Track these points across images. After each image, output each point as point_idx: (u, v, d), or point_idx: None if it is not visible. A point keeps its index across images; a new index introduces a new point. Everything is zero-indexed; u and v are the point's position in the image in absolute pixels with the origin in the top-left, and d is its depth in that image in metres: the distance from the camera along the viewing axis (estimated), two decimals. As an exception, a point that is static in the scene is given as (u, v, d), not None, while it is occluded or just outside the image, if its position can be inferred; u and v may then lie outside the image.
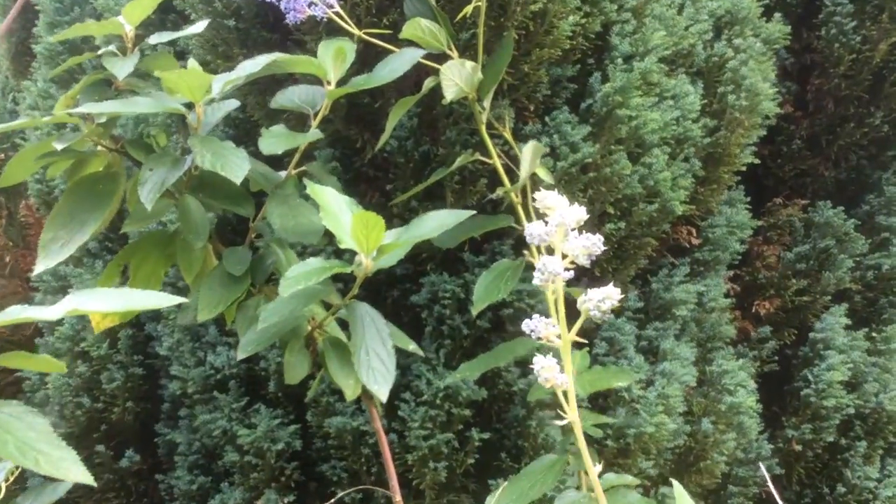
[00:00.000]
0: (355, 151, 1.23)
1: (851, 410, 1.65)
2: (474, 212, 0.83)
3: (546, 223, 0.57)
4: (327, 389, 1.24)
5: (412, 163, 1.19)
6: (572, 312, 1.12)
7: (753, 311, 1.70)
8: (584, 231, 0.58)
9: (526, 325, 0.56)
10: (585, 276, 1.32)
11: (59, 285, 1.45)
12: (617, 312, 1.38)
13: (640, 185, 1.25)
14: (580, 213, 0.56)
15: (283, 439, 1.26)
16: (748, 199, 1.57)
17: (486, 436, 1.24)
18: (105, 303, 0.45)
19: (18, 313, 0.49)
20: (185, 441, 1.36)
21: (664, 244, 1.43)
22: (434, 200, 1.21)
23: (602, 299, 0.54)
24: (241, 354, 0.77)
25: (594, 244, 0.54)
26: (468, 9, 0.98)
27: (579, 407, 1.15)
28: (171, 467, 1.39)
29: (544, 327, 0.56)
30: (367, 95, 1.18)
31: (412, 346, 0.89)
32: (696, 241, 1.45)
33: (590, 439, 1.18)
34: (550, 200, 0.56)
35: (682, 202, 1.31)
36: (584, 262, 0.55)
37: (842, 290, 1.70)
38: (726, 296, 1.53)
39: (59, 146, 0.72)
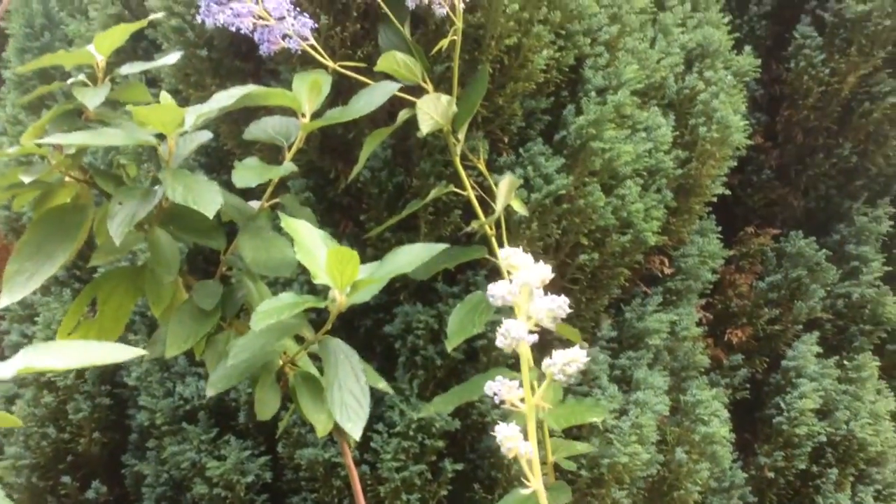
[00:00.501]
0: (329, 182, 1.22)
1: (823, 438, 1.65)
2: (447, 245, 0.82)
3: (510, 282, 0.56)
4: (298, 421, 1.23)
5: (386, 193, 1.19)
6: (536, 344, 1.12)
7: (726, 339, 1.70)
8: (548, 291, 0.56)
9: (489, 387, 0.54)
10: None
11: (27, 314, 1.42)
12: (590, 342, 1.38)
13: (613, 217, 1.25)
14: (545, 272, 0.55)
15: (254, 471, 1.24)
16: (719, 228, 1.58)
17: (459, 467, 1.23)
18: (61, 359, 0.44)
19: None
20: (153, 473, 1.34)
21: (637, 274, 1.43)
22: (408, 231, 1.21)
23: (567, 362, 0.53)
24: (210, 391, 0.76)
25: (559, 307, 0.53)
26: (443, 42, 0.99)
27: (552, 437, 1.15)
28: (139, 499, 1.37)
29: (507, 391, 0.54)
30: (341, 127, 1.18)
31: (382, 385, 0.88)
32: (668, 271, 1.45)
33: (563, 470, 1.18)
34: (515, 259, 0.55)
35: (655, 233, 1.32)
36: (549, 325, 0.54)
37: (812, 318, 1.71)
38: (699, 324, 1.53)
39: (26, 179, 0.71)
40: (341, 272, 0.70)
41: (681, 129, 1.37)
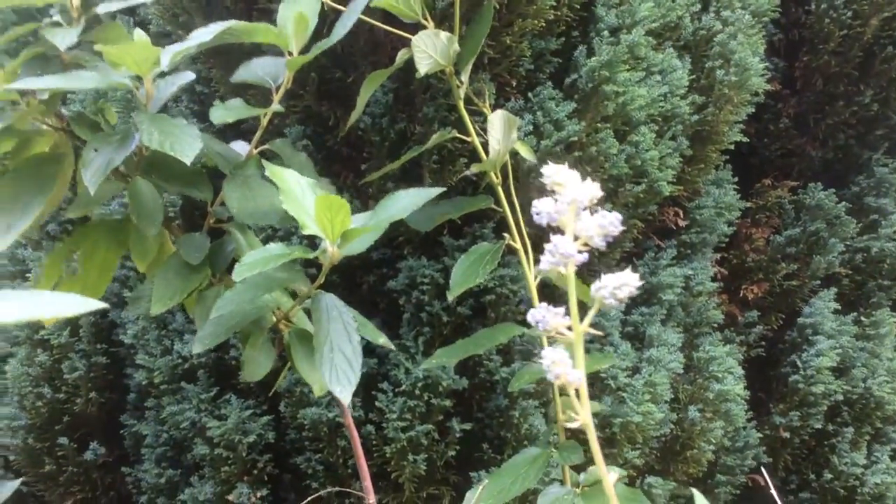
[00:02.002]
0: (328, 129, 1.16)
1: (839, 396, 1.60)
2: (444, 188, 0.76)
3: (556, 200, 0.50)
4: (300, 379, 1.18)
5: (388, 141, 1.12)
6: (547, 297, 1.06)
7: (741, 295, 1.64)
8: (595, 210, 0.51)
9: (532, 315, 0.49)
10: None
11: (18, 269, 1.37)
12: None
13: (626, 165, 1.18)
14: (594, 189, 0.49)
15: (255, 431, 1.20)
16: (735, 179, 1.51)
17: (467, 426, 1.18)
18: (10, 310, 0.38)
19: None
20: (153, 433, 1.29)
21: (650, 226, 1.37)
22: (411, 181, 1.14)
23: (619, 286, 0.47)
24: (196, 348, 0.71)
25: (611, 223, 0.48)
26: (446, -26, 0.91)
27: (561, 395, 1.10)
28: (139, 460, 1.33)
29: (552, 317, 0.49)
30: (340, 70, 1.11)
31: (382, 340, 0.82)
32: (682, 223, 1.39)
33: (572, 431, 1.13)
34: (561, 176, 0.49)
35: (670, 182, 1.25)
36: (600, 243, 0.49)
37: (830, 273, 1.65)
38: (713, 279, 1.47)
39: (-2, 126, 0.65)
40: (332, 221, 0.64)
41: (697, 72, 1.30)
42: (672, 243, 1.39)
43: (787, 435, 1.59)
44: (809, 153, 1.69)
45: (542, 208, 0.49)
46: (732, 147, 1.40)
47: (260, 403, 1.23)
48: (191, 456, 1.24)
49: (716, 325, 1.47)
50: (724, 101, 1.29)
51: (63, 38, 0.69)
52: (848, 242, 1.66)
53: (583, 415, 0.45)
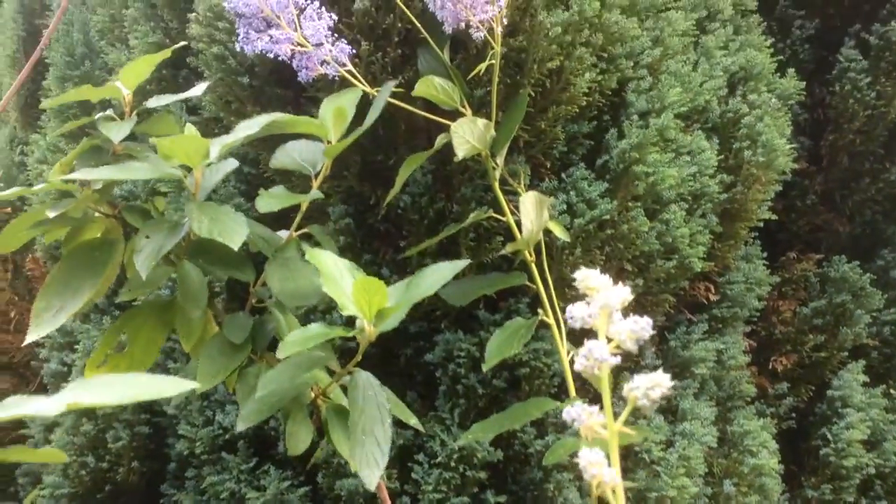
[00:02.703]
0: (369, 208, 1.16)
1: (871, 470, 1.55)
2: (469, 261, 0.76)
3: (588, 304, 0.49)
4: (337, 451, 1.16)
5: (426, 219, 1.12)
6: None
7: (770, 367, 1.60)
8: (628, 314, 0.50)
9: (567, 413, 0.48)
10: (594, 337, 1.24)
11: (66, 341, 1.37)
12: (632, 368, 1.29)
13: (657, 242, 1.17)
14: (625, 293, 0.48)
15: (294, 502, 1.17)
16: (764, 254, 1.49)
17: (501, 499, 1.15)
18: (109, 394, 0.38)
19: (16, 407, 0.42)
20: (192, 503, 1.27)
21: (681, 301, 1.35)
22: (449, 258, 1.13)
23: (651, 387, 0.46)
24: (240, 426, 0.70)
25: (643, 328, 0.47)
26: (482, 66, 0.92)
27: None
28: (179, 529, 1.31)
29: (588, 416, 0.48)
30: (381, 153, 1.12)
31: (413, 421, 0.81)
32: (713, 298, 1.37)
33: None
34: (593, 281, 0.48)
35: (700, 258, 1.23)
36: (632, 347, 0.47)
37: (858, 345, 1.61)
38: (745, 352, 1.44)
39: (51, 214, 0.66)
40: (368, 302, 0.63)
41: (725, 152, 1.29)
42: (703, 317, 1.36)
43: (819, 507, 1.53)
44: (837, 228, 1.67)
45: (576, 313, 0.48)
46: (762, 224, 1.38)
47: (298, 474, 1.21)
48: (231, 527, 1.22)
49: (749, 399, 1.44)
50: (752, 180, 1.28)
51: (117, 132, 0.70)
52: (874, 314, 1.62)
53: (610, 491, 0.43)
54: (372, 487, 0.66)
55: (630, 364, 1.29)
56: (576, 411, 0.47)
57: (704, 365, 1.31)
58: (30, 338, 0.69)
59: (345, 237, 1.14)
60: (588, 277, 0.48)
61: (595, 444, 0.47)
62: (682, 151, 1.21)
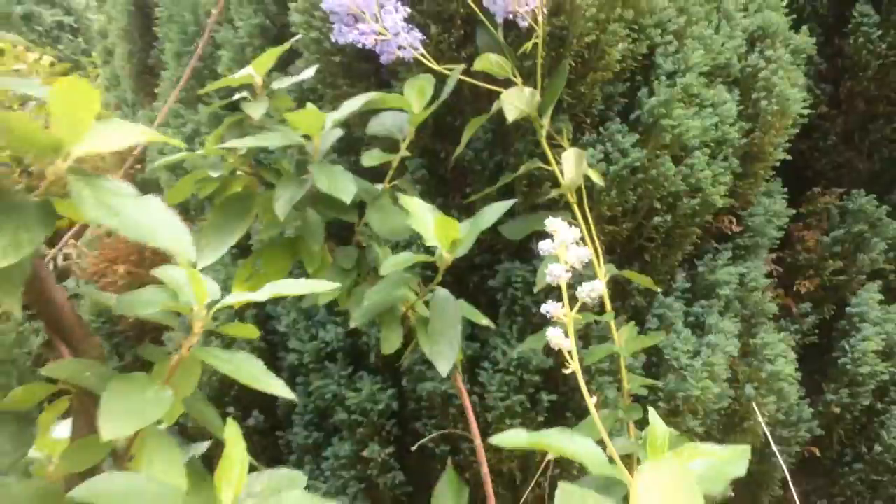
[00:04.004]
0: (440, 161, 1.36)
1: (886, 377, 1.71)
2: (516, 199, 0.96)
3: (552, 241, 0.70)
4: (419, 360, 1.38)
5: (487, 170, 1.32)
6: (619, 293, 1.23)
7: (795, 289, 1.77)
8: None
9: (543, 308, 0.69)
10: (637, 262, 1.43)
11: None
12: (666, 293, 1.48)
13: (683, 184, 1.35)
14: (575, 233, 0.68)
15: (384, 401, 1.40)
16: (785, 189, 1.65)
17: (553, 398, 1.36)
18: (293, 288, 0.60)
19: (237, 298, 0.63)
20: (302, 403, 1.52)
21: (708, 232, 1.53)
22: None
23: (591, 290, 0.67)
24: (353, 323, 0.91)
25: (583, 255, 0.67)
26: (528, 45, 1.10)
27: (633, 372, 1.28)
28: (290, 425, 1.55)
29: (554, 309, 0.68)
30: (450, 115, 1.31)
31: (485, 321, 1.02)
32: (737, 229, 1.54)
33: (642, 399, 1.30)
34: (555, 226, 0.68)
35: (722, 196, 1.41)
36: (578, 266, 0.68)
37: (875, 269, 1.77)
38: (768, 276, 1.61)
39: (214, 174, 0.87)
40: (445, 234, 0.84)
41: (745, 103, 1.45)
42: (728, 246, 1.54)
43: (838, 411, 1.71)
44: (857, 165, 1.82)
45: (546, 247, 0.68)
46: (779, 164, 1.54)
47: (387, 379, 1.44)
48: (332, 421, 1.46)
49: (771, 316, 1.61)
50: (768, 126, 1.44)
51: (255, 110, 0.91)
52: (890, 241, 1.77)
53: (574, 366, 0.63)
54: (444, 374, 0.87)
55: (664, 287, 1.48)
56: (548, 306, 0.67)
57: (728, 287, 1.49)
58: (200, 265, 0.92)
59: (420, 185, 1.35)
60: (552, 223, 0.68)
61: (559, 325, 0.68)
62: (706, 104, 1.38)
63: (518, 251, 1.37)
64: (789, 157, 1.56)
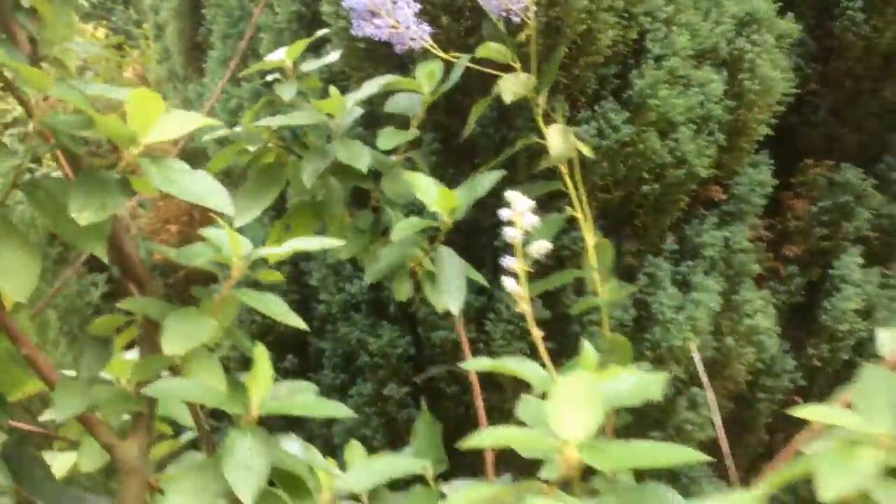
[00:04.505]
0: (452, 135, 1.50)
1: (864, 334, 1.82)
2: (504, 171, 1.09)
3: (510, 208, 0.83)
4: (433, 311, 1.53)
5: (493, 144, 1.45)
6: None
7: (783, 253, 1.89)
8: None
9: (501, 260, 0.82)
10: (628, 226, 1.56)
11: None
12: (656, 253, 1.61)
13: (669, 156, 1.47)
14: (528, 202, 0.81)
15: (402, 346, 1.55)
16: (773, 161, 1.75)
17: (551, 345, 1.50)
18: (310, 244, 0.75)
19: (266, 252, 0.78)
20: (330, 348, 1.67)
21: (697, 200, 1.64)
22: (510, 172, 1.47)
23: (539, 248, 0.80)
24: (368, 279, 1.05)
25: (534, 221, 0.80)
26: (522, 36, 1.23)
27: (623, 325, 1.41)
28: (320, 367, 1.71)
29: (510, 262, 0.82)
30: (460, 95, 1.44)
31: (481, 279, 1.16)
32: (723, 197, 1.65)
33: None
34: (512, 196, 0.82)
35: (707, 167, 1.52)
36: (530, 229, 0.81)
37: (860, 235, 1.87)
38: (753, 240, 1.73)
39: (251, 148, 1.02)
40: (444, 203, 0.98)
41: (731, 83, 1.56)
42: (714, 213, 1.65)
43: (819, 364, 1.83)
44: (846, 139, 1.91)
45: (504, 214, 0.81)
46: (762, 138, 1.65)
47: (405, 327, 1.59)
48: (357, 364, 1.61)
49: (754, 277, 1.73)
50: (752, 104, 1.55)
51: (287, 91, 1.05)
52: (876, 210, 1.87)
53: (523, 306, 0.77)
54: (455, 312, 1.01)
55: (654, 249, 1.61)
56: (507, 259, 0.81)
57: (713, 249, 1.61)
58: (237, 224, 1.07)
59: (435, 157, 1.48)
60: (510, 195, 0.81)
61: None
62: (693, 84, 1.49)
63: (521, 215, 1.50)
64: (772, 133, 1.66)
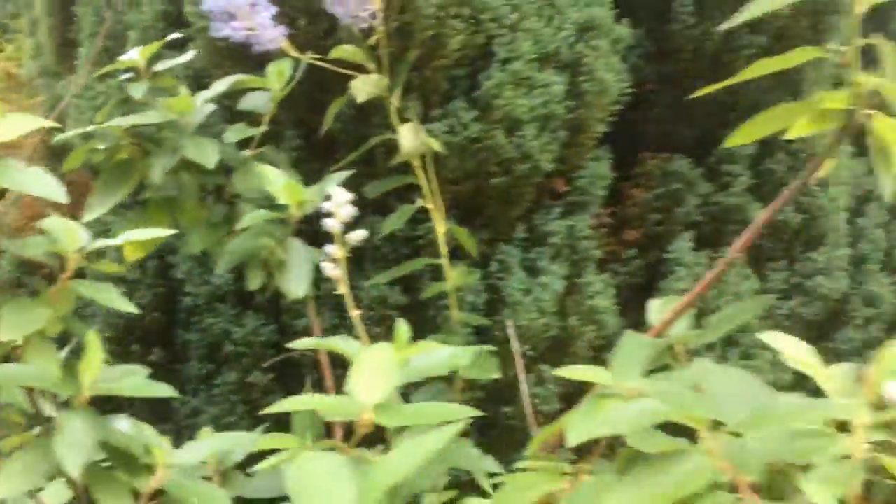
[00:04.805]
0: (313, 132, 1.52)
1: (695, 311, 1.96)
2: (352, 171, 1.13)
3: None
4: (297, 300, 1.56)
5: (351, 140, 1.49)
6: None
7: (623, 237, 2.01)
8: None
9: (325, 248, 0.87)
10: (479, 216, 1.63)
11: (104, 230, 1.75)
12: (507, 241, 1.69)
13: (516, 152, 1.54)
14: (347, 195, 0.87)
15: (265, 335, 1.58)
16: (613, 155, 1.86)
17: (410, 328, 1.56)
18: (143, 235, 0.77)
19: (99, 244, 0.80)
20: (196, 339, 1.68)
21: (544, 191, 1.73)
22: (369, 167, 1.51)
23: (356, 236, 0.86)
24: (218, 270, 1.08)
25: (351, 211, 0.86)
26: (373, 39, 1.27)
27: (476, 307, 1.49)
28: (187, 359, 1.71)
29: (333, 250, 0.87)
30: (320, 93, 1.47)
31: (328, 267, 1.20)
32: (567, 189, 1.75)
33: (483, 330, 1.51)
34: (333, 189, 0.87)
35: (551, 162, 1.61)
36: (347, 219, 0.86)
37: (693, 221, 2.01)
38: (596, 228, 1.83)
39: (100, 146, 1.03)
40: (292, 196, 1.01)
41: (572, 85, 1.65)
42: (560, 203, 1.75)
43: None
44: (682, 133, 2.05)
45: (327, 205, 0.86)
46: (601, 135, 1.75)
47: (268, 317, 1.61)
48: (222, 354, 1.63)
49: (597, 261, 1.84)
50: (590, 105, 1.64)
51: (138, 90, 1.06)
52: (706, 198, 2.01)
53: (343, 289, 0.82)
54: (299, 295, 1.05)
55: (505, 237, 1.69)
56: (327, 247, 0.86)
57: (558, 236, 1.71)
58: (85, 219, 1.07)
59: (296, 152, 1.51)
60: (331, 190, 0.86)
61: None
62: (537, 85, 1.57)
63: (379, 207, 1.55)
64: (613, 129, 1.77)
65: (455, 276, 1.35)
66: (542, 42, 1.57)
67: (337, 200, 0.85)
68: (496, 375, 1.18)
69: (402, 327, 0.78)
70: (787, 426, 0.54)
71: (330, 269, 0.86)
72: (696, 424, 0.55)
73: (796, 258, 2.18)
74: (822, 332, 2.31)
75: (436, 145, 1.39)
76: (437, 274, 1.59)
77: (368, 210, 1.56)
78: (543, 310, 1.64)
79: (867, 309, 2.32)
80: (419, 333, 1.60)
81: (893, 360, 0.57)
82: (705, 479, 0.51)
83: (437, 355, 0.70)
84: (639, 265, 1.98)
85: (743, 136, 0.90)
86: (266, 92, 1.19)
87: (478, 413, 0.57)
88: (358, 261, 1.57)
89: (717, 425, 0.56)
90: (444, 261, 1.36)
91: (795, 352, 0.67)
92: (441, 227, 1.37)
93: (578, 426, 0.54)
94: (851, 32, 0.78)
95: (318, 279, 1.59)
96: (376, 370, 0.59)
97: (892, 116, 0.78)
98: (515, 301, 1.61)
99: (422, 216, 1.43)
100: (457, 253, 1.55)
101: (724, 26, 0.87)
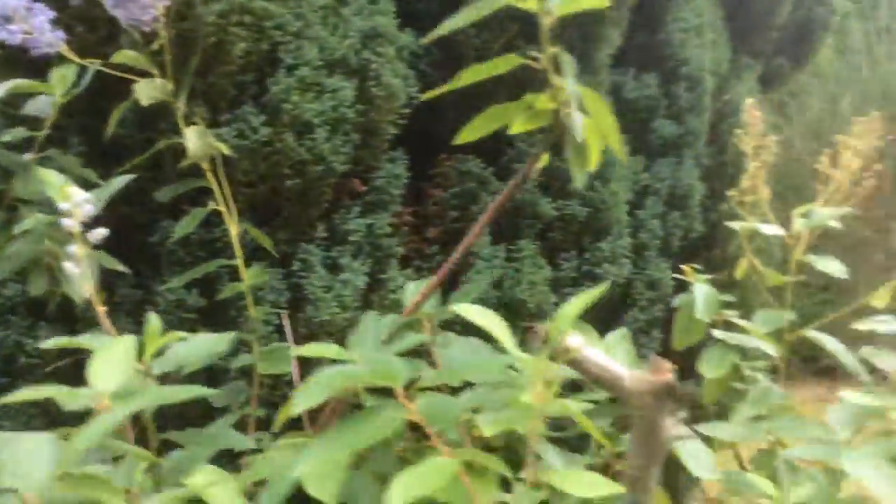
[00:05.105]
0: (97, 137, 1.54)
1: (494, 301, 2.13)
2: (134, 175, 1.18)
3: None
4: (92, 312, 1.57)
5: (138, 144, 1.52)
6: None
7: (425, 235, 2.14)
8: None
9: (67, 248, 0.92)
10: (277, 217, 1.70)
11: None
12: (308, 241, 1.77)
13: (308, 154, 1.63)
14: (84, 195, 0.93)
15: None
16: (412, 156, 1.98)
17: (208, 329, 1.60)
18: None
19: None
20: (-11, 354, 1.64)
21: (343, 191, 1.83)
22: (157, 171, 1.55)
23: (97, 234, 0.92)
24: (-1, 276, 1.10)
25: (89, 210, 0.91)
26: (156, 45, 1.32)
27: (280, 307, 1.55)
28: (-20, 375, 1.67)
29: (72, 249, 0.92)
30: (104, 99, 1.49)
31: (120, 267, 1.23)
32: (363, 189, 1.85)
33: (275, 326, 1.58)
34: (72, 191, 0.92)
35: (344, 164, 1.71)
36: (85, 218, 0.92)
37: (487, 217, 2.17)
38: (396, 226, 1.95)
39: None
40: (73, 199, 1.05)
41: (361, 90, 1.75)
42: (358, 203, 1.85)
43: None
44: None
45: (64, 205, 0.92)
46: (392, 137, 1.87)
47: (64, 327, 1.61)
48: (16, 366, 1.60)
49: (398, 258, 1.95)
50: (379, 109, 1.76)
51: None
52: (494, 195, 2.17)
53: (86, 288, 0.88)
54: (81, 299, 1.08)
55: (306, 237, 1.77)
56: (69, 247, 0.91)
57: (358, 235, 1.80)
58: None
59: (82, 158, 1.52)
60: (72, 191, 0.91)
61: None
62: (327, 90, 1.66)
63: (173, 212, 1.59)
64: (406, 133, 1.89)
65: (250, 276, 1.41)
66: (329, 49, 1.66)
67: (75, 200, 0.90)
68: (288, 370, 1.26)
69: (152, 320, 0.85)
70: (469, 377, 0.66)
71: (70, 269, 0.91)
72: (391, 384, 0.66)
73: (585, 248, 2.40)
74: (612, 313, 2.56)
75: (224, 148, 1.45)
76: (236, 275, 1.64)
77: (159, 214, 1.60)
78: (345, 305, 1.73)
79: (649, 292, 2.59)
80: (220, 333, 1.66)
81: (563, 321, 0.71)
82: (393, 428, 0.62)
83: (195, 344, 0.78)
84: (441, 260, 2.12)
85: (470, 133, 1.02)
86: (50, 97, 1.22)
87: (211, 392, 0.64)
88: (154, 265, 1.60)
89: (411, 384, 0.67)
90: (238, 261, 1.42)
91: (483, 320, 0.79)
92: (234, 228, 1.43)
93: (302, 395, 0.63)
94: (544, 42, 0.92)
95: (113, 285, 1.61)
96: (115, 361, 0.66)
97: (586, 115, 0.93)
98: (318, 298, 1.69)
99: (217, 219, 1.48)
100: (258, 254, 1.62)
101: (427, 39, 0.98)
